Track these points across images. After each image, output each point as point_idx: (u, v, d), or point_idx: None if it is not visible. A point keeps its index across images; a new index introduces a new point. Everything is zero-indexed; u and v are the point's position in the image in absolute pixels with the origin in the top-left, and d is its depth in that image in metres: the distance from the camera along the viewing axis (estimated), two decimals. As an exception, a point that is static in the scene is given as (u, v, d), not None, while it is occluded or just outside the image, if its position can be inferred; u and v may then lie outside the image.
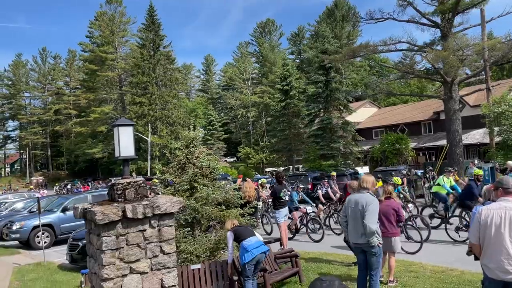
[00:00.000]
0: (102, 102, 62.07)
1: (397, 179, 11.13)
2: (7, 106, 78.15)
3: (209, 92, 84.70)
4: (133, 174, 35.24)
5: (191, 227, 7.15)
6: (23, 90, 76.56)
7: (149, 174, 39.96)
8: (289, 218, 11.94)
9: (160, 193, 7.08)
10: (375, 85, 35.52)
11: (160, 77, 50.57)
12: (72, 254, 10.30)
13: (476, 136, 30.68)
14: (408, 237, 9.25)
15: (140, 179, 4.64)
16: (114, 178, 36.58)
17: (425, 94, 39.42)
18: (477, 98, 29.76)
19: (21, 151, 79.98)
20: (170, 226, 4.35)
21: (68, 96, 73.02)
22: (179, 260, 6.65)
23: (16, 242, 14.59)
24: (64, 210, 14.24)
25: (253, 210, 8.75)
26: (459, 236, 9.72)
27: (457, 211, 10.89)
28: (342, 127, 33.91)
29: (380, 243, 5.51)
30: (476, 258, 4.06)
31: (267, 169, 47.51)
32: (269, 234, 12.18)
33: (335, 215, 12.50)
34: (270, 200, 12.21)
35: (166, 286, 4.25)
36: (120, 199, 4.30)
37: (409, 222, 9.60)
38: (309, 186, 20.29)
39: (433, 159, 32.29)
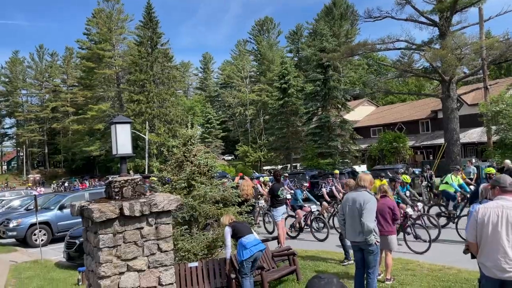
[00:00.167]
0: (99, 99, 61.96)
1: (406, 177, 10.70)
2: (4, 103, 77.96)
3: (207, 90, 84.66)
4: (131, 172, 35.22)
5: (188, 225, 7.15)
6: (20, 87, 76.37)
7: (146, 172, 39.91)
8: (292, 216, 11.97)
9: (157, 191, 7.08)
10: (373, 84, 35.61)
11: (158, 75, 50.38)
12: (69, 252, 10.28)
13: (474, 135, 30.78)
14: (416, 237, 8.95)
15: (137, 177, 4.63)
16: (112, 176, 36.45)
17: (423, 93, 39.50)
18: (475, 97, 29.85)
19: (18, 148, 79.77)
20: (168, 224, 4.34)
21: (65, 94, 72.89)
22: (177, 258, 6.65)
23: (13, 240, 14.60)
24: (61, 208, 14.20)
25: (251, 208, 8.74)
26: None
27: (465, 210, 10.76)
28: (340, 125, 33.89)
29: (377, 241, 5.53)
30: (473, 257, 4.08)
31: (265, 167, 47.52)
32: (271, 233, 12.03)
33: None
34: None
35: (164, 284, 4.24)
36: (117, 197, 4.29)
37: (418, 222, 9.30)
38: (307, 185, 20.26)
39: (431, 157, 32.41)
